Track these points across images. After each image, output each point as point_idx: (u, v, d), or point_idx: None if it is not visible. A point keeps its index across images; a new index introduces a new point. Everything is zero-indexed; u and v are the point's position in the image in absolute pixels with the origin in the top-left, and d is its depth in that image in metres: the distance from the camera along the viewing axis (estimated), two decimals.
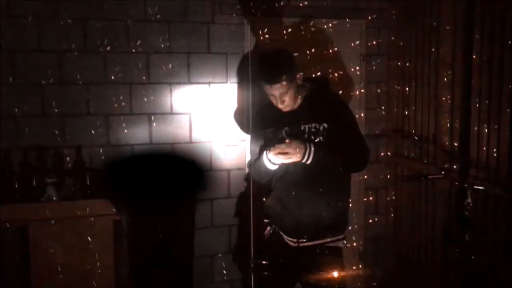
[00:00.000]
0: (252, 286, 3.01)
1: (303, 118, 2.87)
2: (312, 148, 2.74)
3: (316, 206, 2.87)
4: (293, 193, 2.89)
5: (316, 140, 2.82)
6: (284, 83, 2.75)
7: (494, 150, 3.20)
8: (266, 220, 3.08)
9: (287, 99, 2.81)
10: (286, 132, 2.88)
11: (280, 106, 2.85)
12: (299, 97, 2.90)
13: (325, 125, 2.83)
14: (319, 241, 2.93)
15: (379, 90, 4.45)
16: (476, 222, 3.25)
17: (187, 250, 3.94)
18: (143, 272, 3.81)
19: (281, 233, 2.99)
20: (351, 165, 2.90)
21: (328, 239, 2.93)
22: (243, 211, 4.05)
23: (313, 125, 2.85)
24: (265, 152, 2.84)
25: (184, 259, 3.91)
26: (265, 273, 2.92)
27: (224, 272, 4.17)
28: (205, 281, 4.14)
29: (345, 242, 3.03)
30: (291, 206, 2.91)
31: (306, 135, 2.84)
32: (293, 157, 2.74)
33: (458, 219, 3.35)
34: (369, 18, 4.31)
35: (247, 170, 4.07)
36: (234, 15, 4.00)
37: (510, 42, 3.05)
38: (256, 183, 3.13)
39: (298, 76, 2.82)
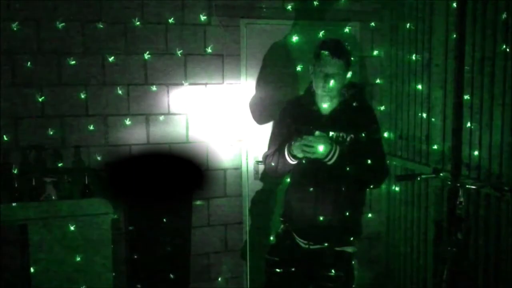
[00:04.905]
0: (264, 282, 3.04)
1: (333, 125, 2.84)
2: (338, 151, 2.72)
3: (332, 212, 2.86)
4: (310, 196, 2.88)
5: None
6: (342, 63, 2.75)
7: (486, 150, 3.26)
8: (281, 219, 3.10)
9: (333, 82, 2.76)
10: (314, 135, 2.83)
11: (321, 87, 2.78)
12: (336, 100, 2.87)
13: (352, 135, 2.83)
14: (329, 245, 2.91)
15: (375, 90, 4.51)
16: (468, 221, 3.32)
17: (184, 249, 3.97)
18: (141, 270, 3.85)
19: (293, 234, 2.99)
20: (364, 180, 2.88)
21: (339, 246, 2.93)
22: (257, 209, 4.18)
23: (341, 134, 2.83)
24: (287, 145, 2.82)
25: (181, 257, 3.94)
26: (278, 270, 2.93)
27: (221, 270, 4.23)
28: (202, 279, 4.18)
29: (353, 247, 2.99)
30: (306, 208, 2.90)
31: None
32: (318, 154, 2.69)
33: (450, 218, 3.41)
34: (363, 20, 4.37)
35: (259, 167, 4.18)
36: (230, 17, 4.05)
37: (502, 41, 3.10)
38: (268, 180, 3.06)
39: (348, 74, 2.84)
